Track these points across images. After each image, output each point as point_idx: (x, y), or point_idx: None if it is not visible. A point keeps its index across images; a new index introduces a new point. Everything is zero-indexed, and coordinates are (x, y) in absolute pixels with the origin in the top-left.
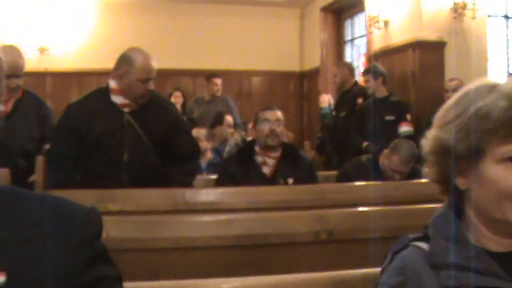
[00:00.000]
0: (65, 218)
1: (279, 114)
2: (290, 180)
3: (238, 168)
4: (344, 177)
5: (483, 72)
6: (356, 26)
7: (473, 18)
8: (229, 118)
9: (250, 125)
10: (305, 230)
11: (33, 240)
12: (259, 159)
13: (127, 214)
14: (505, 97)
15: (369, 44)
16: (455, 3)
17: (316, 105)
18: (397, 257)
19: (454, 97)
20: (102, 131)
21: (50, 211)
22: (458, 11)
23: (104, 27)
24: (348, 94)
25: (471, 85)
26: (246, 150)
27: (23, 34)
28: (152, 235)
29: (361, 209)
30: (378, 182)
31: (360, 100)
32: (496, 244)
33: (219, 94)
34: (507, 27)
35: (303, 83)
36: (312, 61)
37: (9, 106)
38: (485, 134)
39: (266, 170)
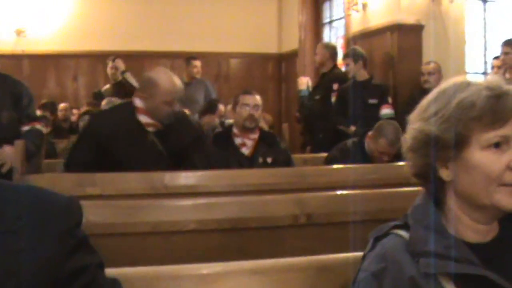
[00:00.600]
0: (45, 209)
1: (258, 98)
2: (269, 159)
3: (216, 150)
4: (331, 163)
5: (461, 55)
6: (335, 9)
7: (451, 1)
8: (222, 108)
9: (228, 107)
10: (284, 214)
11: (13, 232)
12: (238, 140)
13: (107, 198)
14: (486, 88)
15: (347, 26)
16: None
17: (294, 87)
18: (378, 244)
19: (431, 95)
20: (125, 148)
21: (30, 203)
22: None
23: (82, 9)
24: (325, 77)
25: (446, 83)
26: (223, 133)
27: None
28: (131, 220)
29: (340, 192)
30: (357, 165)
31: (335, 86)
32: (474, 233)
33: (198, 76)
34: (485, 10)
35: (281, 65)
36: (291, 43)
37: None
38: (470, 122)
39: (245, 150)
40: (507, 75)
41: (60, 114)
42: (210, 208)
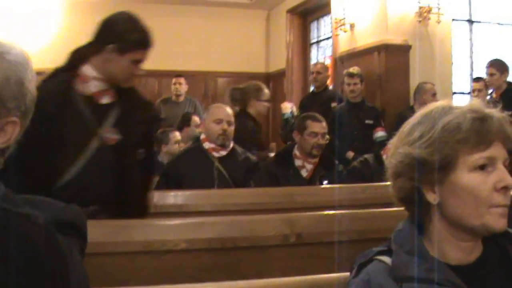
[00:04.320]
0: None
1: (325, 125)
2: (325, 182)
3: (279, 170)
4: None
5: (448, 75)
6: (322, 29)
7: (438, 22)
8: (196, 119)
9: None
10: (274, 233)
11: None
12: (298, 162)
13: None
14: (470, 111)
15: (334, 46)
16: (420, 7)
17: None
18: (363, 270)
19: (414, 119)
20: (192, 177)
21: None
22: (423, 15)
23: (70, 27)
24: (319, 96)
25: (428, 107)
26: (284, 153)
27: None
28: (121, 239)
29: (329, 212)
30: (346, 185)
31: (334, 104)
32: (459, 252)
33: (182, 92)
34: (471, 31)
35: (268, 85)
36: (278, 63)
37: None
38: (456, 144)
39: (304, 173)
40: (494, 95)
41: None
42: (200, 227)
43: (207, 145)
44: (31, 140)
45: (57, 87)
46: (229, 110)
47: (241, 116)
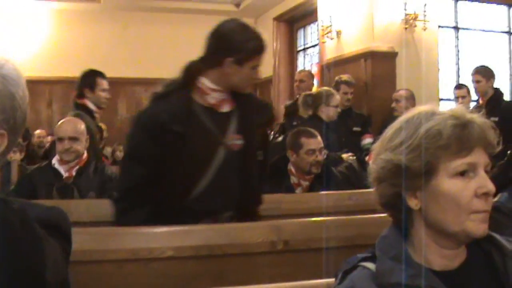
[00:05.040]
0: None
1: (320, 140)
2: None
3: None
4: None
5: (434, 82)
6: (309, 36)
7: (424, 29)
8: None
9: None
10: (261, 240)
11: None
12: (294, 179)
13: (83, 225)
14: (452, 117)
15: (321, 54)
16: (406, 14)
17: None
18: (347, 277)
19: (396, 124)
20: None
21: None
22: (409, 22)
23: (57, 35)
24: None
25: (410, 113)
26: (278, 169)
27: None
28: (108, 247)
29: (316, 218)
30: (333, 192)
31: None
32: (442, 259)
33: None
34: (457, 38)
35: (256, 92)
36: (265, 70)
37: None
38: (438, 151)
39: (299, 191)
40: (480, 102)
41: (36, 140)
42: (187, 235)
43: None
44: (166, 159)
45: (178, 104)
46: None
47: (313, 120)
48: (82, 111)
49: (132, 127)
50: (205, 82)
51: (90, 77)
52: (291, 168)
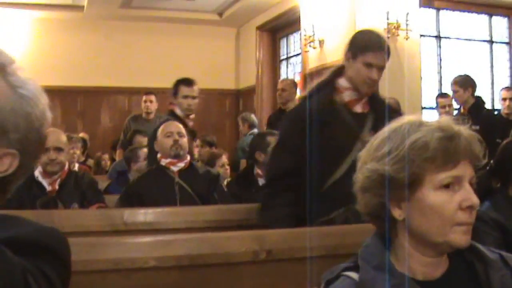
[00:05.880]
0: None
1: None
2: None
3: (240, 191)
4: None
5: (417, 91)
6: (292, 45)
7: (406, 38)
8: (139, 139)
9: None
10: (244, 250)
11: None
12: (262, 181)
13: (66, 236)
14: (438, 129)
15: (304, 63)
16: (388, 24)
17: None
18: (330, 287)
19: (383, 133)
20: (153, 195)
21: None
22: (391, 31)
23: (39, 44)
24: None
25: (398, 122)
26: (245, 173)
27: None
28: (91, 257)
29: (299, 228)
30: None
31: None
32: (424, 267)
33: (153, 109)
34: (439, 47)
35: (239, 101)
36: (248, 79)
37: None
38: (423, 163)
39: None
40: (462, 110)
41: None
42: (169, 245)
43: (163, 161)
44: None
45: (323, 100)
46: (178, 124)
47: None
48: (171, 116)
49: (284, 122)
50: (341, 81)
51: (176, 85)
52: (258, 171)
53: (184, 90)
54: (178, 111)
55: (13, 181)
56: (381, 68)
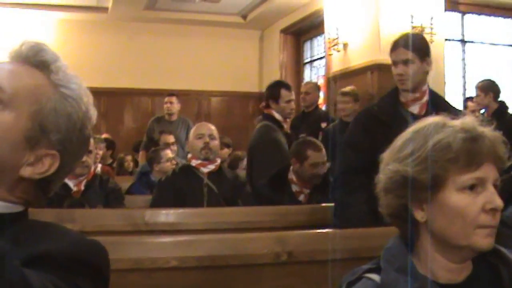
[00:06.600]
0: None
1: (324, 152)
2: None
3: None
4: None
5: (440, 95)
6: (316, 48)
7: (431, 42)
8: (166, 137)
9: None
10: (265, 252)
11: None
12: (295, 187)
13: (87, 235)
14: (462, 130)
15: (328, 66)
16: (413, 27)
17: None
18: None
19: (406, 135)
20: (184, 193)
21: None
22: None
23: (63, 45)
24: (309, 116)
25: (421, 123)
26: (279, 177)
27: None
28: (112, 256)
29: (321, 230)
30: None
31: (324, 124)
32: (447, 272)
33: (174, 111)
34: (464, 51)
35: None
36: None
37: None
38: (446, 164)
39: (302, 198)
40: (486, 115)
41: None
42: (191, 245)
43: (194, 162)
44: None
45: (387, 100)
46: (211, 126)
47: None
48: (269, 121)
49: (352, 122)
50: None
51: (275, 89)
52: (293, 177)
53: (286, 94)
54: (277, 116)
55: (55, 181)
56: (404, 62)
